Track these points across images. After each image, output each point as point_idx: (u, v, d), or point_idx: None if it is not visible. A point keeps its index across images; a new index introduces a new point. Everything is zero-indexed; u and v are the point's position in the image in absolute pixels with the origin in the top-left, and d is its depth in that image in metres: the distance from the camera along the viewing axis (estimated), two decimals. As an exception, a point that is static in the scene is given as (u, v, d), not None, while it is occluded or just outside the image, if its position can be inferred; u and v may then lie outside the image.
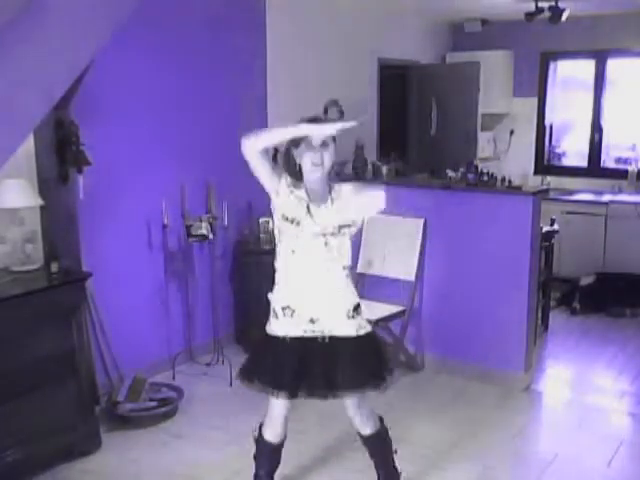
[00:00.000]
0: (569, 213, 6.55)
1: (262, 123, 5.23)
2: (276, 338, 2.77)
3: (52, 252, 3.73)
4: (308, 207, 2.67)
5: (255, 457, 3.00)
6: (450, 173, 4.73)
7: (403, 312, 4.44)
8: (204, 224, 4.49)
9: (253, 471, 3.00)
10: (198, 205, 4.67)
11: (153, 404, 3.95)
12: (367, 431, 2.90)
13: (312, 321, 2.70)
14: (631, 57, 6.81)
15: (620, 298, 5.91)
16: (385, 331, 4.32)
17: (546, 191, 5.61)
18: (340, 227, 2.68)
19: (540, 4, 5.66)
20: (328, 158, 2.69)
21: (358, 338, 2.73)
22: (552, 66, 7.22)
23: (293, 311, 2.73)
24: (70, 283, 3.50)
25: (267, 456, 2.96)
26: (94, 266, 3.79)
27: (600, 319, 5.77)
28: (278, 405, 2.82)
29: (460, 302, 4.49)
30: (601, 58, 6.89)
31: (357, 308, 2.77)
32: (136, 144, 4.27)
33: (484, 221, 4.34)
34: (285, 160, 2.75)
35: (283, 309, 2.76)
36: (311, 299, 2.71)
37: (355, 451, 3.56)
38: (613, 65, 6.91)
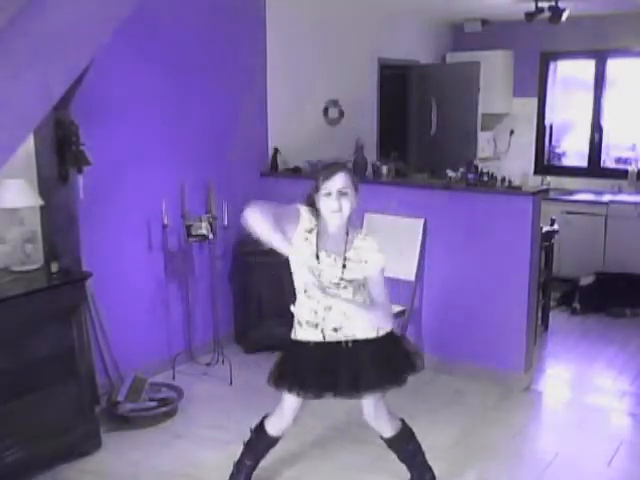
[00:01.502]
0: (569, 213, 6.55)
1: (262, 123, 5.24)
2: (301, 343, 2.87)
3: (52, 252, 3.73)
4: (317, 255, 2.72)
5: (247, 445, 3.10)
6: (450, 173, 4.73)
7: (403, 312, 4.44)
8: (204, 224, 4.50)
9: (237, 457, 3.11)
10: (198, 205, 4.67)
11: (153, 404, 3.95)
12: (388, 434, 2.98)
13: (335, 330, 2.80)
14: (631, 57, 6.81)
15: (620, 298, 5.90)
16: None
17: (546, 191, 5.62)
18: (352, 286, 2.75)
19: (540, 4, 5.66)
20: (347, 205, 2.68)
21: (379, 339, 2.82)
22: (552, 66, 7.22)
23: (316, 324, 2.82)
24: (70, 283, 3.50)
25: (261, 448, 3.09)
26: (94, 266, 3.79)
27: (600, 319, 5.77)
28: (293, 402, 2.91)
29: (460, 302, 4.49)
30: (601, 58, 6.89)
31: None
32: (136, 144, 4.27)
33: (484, 221, 4.34)
34: (307, 202, 2.78)
35: (307, 322, 2.84)
36: (332, 316, 2.78)
37: (349, 441, 3.57)
38: (613, 65, 6.91)
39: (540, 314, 5.21)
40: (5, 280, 3.40)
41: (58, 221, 3.77)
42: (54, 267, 3.52)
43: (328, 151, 5.37)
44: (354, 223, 2.80)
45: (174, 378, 4.44)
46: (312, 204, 2.75)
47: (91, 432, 3.57)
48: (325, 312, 2.78)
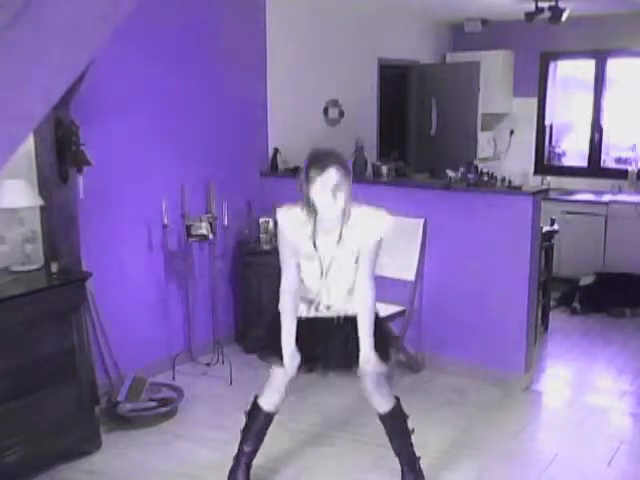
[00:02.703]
0: (569, 213, 6.55)
1: (262, 123, 5.24)
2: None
3: (52, 252, 3.73)
4: (314, 243, 2.78)
5: (243, 431, 3.14)
6: (450, 173, 4.72)
7: (403, 312, 4.43)
8: (204, 224, 4.50)
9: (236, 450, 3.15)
10: (198, 205, 4.67)
11: (153, 404, 3.94)
12: (384, 409, 3.02)
13: (328, 307, 2.90)
14: (631, 57, 6.81)
15: (620, 298, 5.90)
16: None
17: (546, 191, 5.61)
18: (349, 261, 2.80)
19: (540, 4, 5.66)
20: (341, 197, 2.70)
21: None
22: (552, 66, 7.22)
23: (311, 300, 2.90)
24: (70, 283, 3.50)
25: (258, 425, 3.09)
26: (94, 266, 3.79)
27: (600, 319, 5.77)
28: (281, 375, 2.94)
29: (460, 302, 4.49)
30: (601, 58, 6.89)
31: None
32: (136, 144, 4.27)
33: (484, 221, 4.34)
34: (301, 190, 2.77)
35: (301, 297, 2.90)
36: (326, 293, 2.88)
37: (349, 440, 3.57)
38: (613, 65, 6.91)
39: (540, 314, 5.21)
40: (5, 280, 3.40)
41: (58, 221, 3.77)
42: (54, 267, 3.52)
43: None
44: (351, 202, 2.77)
45: (174, 378, 4.44)
46: (307, 194, 2.73)
47: (91, 432, 3.58)
48: (320, 292, 2.86)
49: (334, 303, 2.90)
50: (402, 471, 3.12)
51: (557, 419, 4.19)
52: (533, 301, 4.43)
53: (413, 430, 3.11)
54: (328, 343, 2.88)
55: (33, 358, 3.25)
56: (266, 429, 3.14)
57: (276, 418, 3.66)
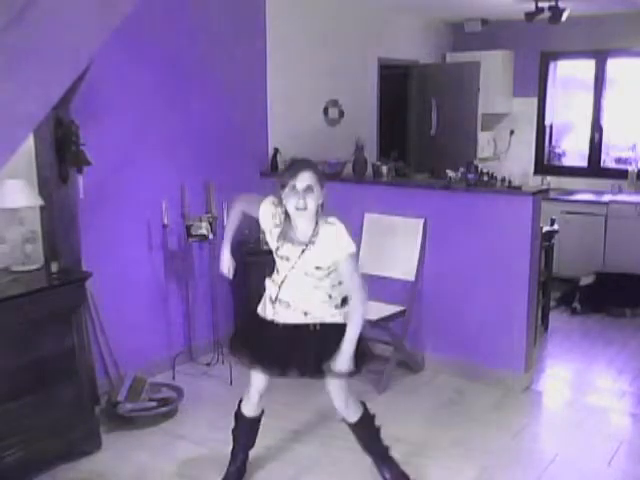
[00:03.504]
0: (569, 213, 6.55)
1: (262, 123, 5.24)
2: (269, 322, 2.95)
3: (52, 252, 3.73)
4: (278, 247, 2.88)
5: (233, 431, 3.23)
6: (450, 173, 4.72)
7: (403, 312, 4.44)
8: (204, 224, 4.50)
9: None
10: (198, 205, 4.67)
11: (153, 404, 3.94)
12: (354, 419, 3.03)
13: (305, 314, 2.88)
14: (631, 57, 6.80)
15: (620, 298, 5.90)
16: (385, 331, 4.32)
17: (546, 191, 5.61)
18: (317, 268, 2.81)
19: (540, 4, 5.66)
20: (312, 202, 2.74)
21: (343, 325, 2.84)
22: (552, 66, 7.22)
23: (288, 304, 2.89)
24: (70, 283, 3.50)
25: (244, 430, 3.20)
26: (94, 266, 3.79)
27: (600, 319, 5.77)
28: (257, 381, 3.04)
29: (460, 302, 4.49)
30: (601, 58, 6.89)
31: (345, 300, 2.90)
32: (136, 144, 4.27)
33: (484, 221, 4.34)
34: (279, 200, 2.87)
35: (279, 300, 2.90)
36: (304, 300, 2.87)
37: (348, 440, 3.57)
38: (613, 65, 6.91)
39: (540, 314, 5.21)
40: (5, 280, 3.40)
41: (58, 221, 3.77)
42: (54, 267, 3.52)
43: (328, 151, 5.37)
44: (323, 215, 2.82)
45: (174, 378, 4.44)
46: (280, 200, 2.83)
47: (91, 432, 3.58)
48: (298, 297, 2.86)
49: (311, 310, 2.87)
50: (376, 466, 3.14)
51: (557, 419, 4.19)
52: (533, 301, 4.43)
53: (380, 427, 3.13)
54: (302, 349, 2.88)
55: (33, 358, 3.25)
56: (253, 431, 3.22)
57: (276, 418, 3.66)
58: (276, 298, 2.91)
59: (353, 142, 5.51)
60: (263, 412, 3.22)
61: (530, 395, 4.35)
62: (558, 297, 6.03)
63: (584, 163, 7.19)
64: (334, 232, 2.78)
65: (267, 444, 3.69)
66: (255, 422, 3.21)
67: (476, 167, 4.88)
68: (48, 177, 3.72)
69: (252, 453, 3.58)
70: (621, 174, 6.89)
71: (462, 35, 7.46)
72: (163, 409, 3.93)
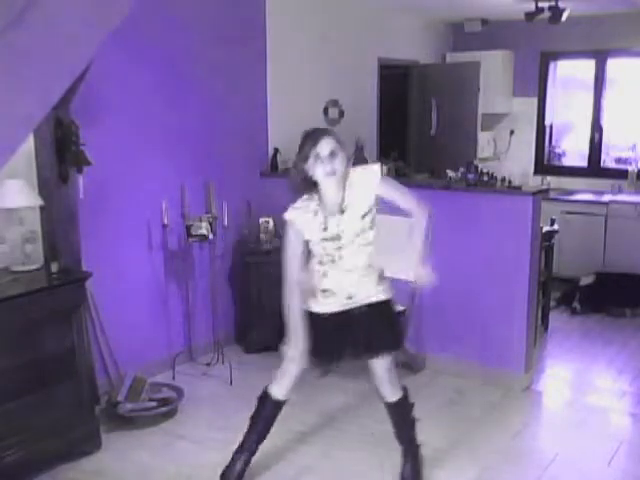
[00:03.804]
0: (569, 213, 6.55)
1: (262, 123, 5.24)
2: (317, 315, 2.96)
3: (52, 252, 3.73)
4: (325, 227, 2.82)
5: (252, 417, 3.18)
6: (450, 173, 4.72)
7: (403, 312, 4.43)
8: (204, 224, 4.49)
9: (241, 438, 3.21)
10: (198, 205, 4.67)
11: (153, 404, 3.94)
12: (393, 398, 3.10)
13: (349, 297, 2.93)
14: (631, 57, 6.81)
15: (620, 298, 5.90)
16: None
17: (546, 191, 5.61)
18: (370, 220, 2.86)
19: (540, 4, 5.66)
20: (339, 165, 2.76)
21: (386, 302, 3.00)
22: (552, 66, 7.22)
23: (333, 293, 2.92)
24: (70, 283, 3.50)
25: (265, 414, 3.16)
26: (94, 266, 3.79)
27: (600, 319, 5.77)
28: (297, 370, 3.03)
29: (460, 302, 4.48)
30: (601, 58, 6.89)
31: (382, 275, 3.01)
32: (136, 144, 4.27)
33: (484, 221, 4.34)
34: (295, 177, 2.84)
35: (323, 291, 2.94)
36: (347, 283, 2.91)
37: (349, 440, 3.58)
38: (613, 65, 6.91)
39: (540, 314, 5.21)
40: (5, 280, 3.40)
41: (58, 221, 3.77)
42: (54, 267, 3.52)
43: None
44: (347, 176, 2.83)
45: (174, 378, 4.44)
46: (302, 174, 2.78)
47: (91, 432, 3.58)
48: (341, 282, 2.89)
49: (355, 292, 2.92)
50: (404, 457, 3.20)
51: (557, 419, 4.19)
52: (533, 301, 4.43)
53: (418, 419, 3.20)
54: (351, 335, 2.94)
55: (33, 358, 3.25)
56: (274, 418, 3.19)
57: (280, 418, 3.63)
58: (324, 289, 2.93)
59: (353, 142, 5.51)
60: (286, 402, 3.19)
61: (530, 395, 4.35)
62: (558, 297, 6.03)
63: (584, 163, 7.19)
64: (357, 173, 2.84)
65: (270, 444, 3.69)
66: (278, 407, 3.17)
67: (476, 167, 4.89)
68: (48, 177, 3.72)
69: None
70: (621, 174, 6.89)
71: (462, 35, 7.47)
72: (163, 409, 3.93)
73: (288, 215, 2.86)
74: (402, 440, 3.20)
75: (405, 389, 3.17)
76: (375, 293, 2.97)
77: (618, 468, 3.47)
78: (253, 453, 3.22)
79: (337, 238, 2.83)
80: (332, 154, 2.73)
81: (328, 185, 2.79)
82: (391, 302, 3.06)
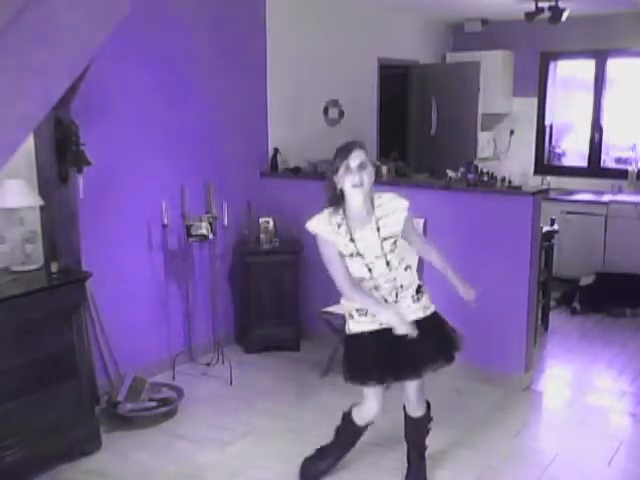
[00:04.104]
0: (569, 213, 6.55)
1: (262, 122, 5.24)
2: (355, 336, 3.00)
3: (52, 252, 3.73)
4: (352, 239, 2.86)
5: (335, 431, 3.29)
6: (450, 173, 4.72)
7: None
8: (204, 224, 4.50)
9: (331, 439, 3.32)
10: (198, 205, 4.67)
11: (153, 404, 3.94)
12: (418, 413, 3.16)
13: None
14: (631, 57, 6.80)
15: (620, 298, 5.90)
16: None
17: (546, 191, 5.61)
18: (393, 242, 2.90)
19: (540, 4, 5.66)
20: (367, 178, 2.82)
21: (426, 319, 3.00)
22: (552, 66, 7.22)
23: (366, 311, 2.93)
24: (70, 283, 3.50)
25: (347, 435, 3.28)
26: (94, 266, 3.79)
27: (600, 319, 5.77)
28: (369, 392, 3.07)
29: (460, 302, 4.47)
30: (601, 58, 6.89)
31: (419, 289, 3.05)
32: (136, 144, 4.27)
33: (484, 221, 4.34)
34: (328, 188, 2.89)
35: (358, 311, 2.96)
36: (380, 300, 2.92)
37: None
38: (613, 65, 6.90)
39: (540, 314, 5.21)
40: (5, 280, 3.40)
41: (58, 221, 3.77)
42: (54, 267, 3.52)
43: (328, 151, 5.35)
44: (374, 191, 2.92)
45: (174, 378, 4.44)
46: (334, 187, 2.85)
47: (91, 432, 3.58)
48: (376, 287, 2.91)
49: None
50: (409, 456, 3.25)
51: (557, 419, 4.19)
52: (533, 301, 4.43)
53: (430, 429, 3.27)
54: (394, 354, 2.92)
55: (33, 358, 3.25)
56: (355, 438, 3.28)
57: (276, 419, 3.68)
58: (358, 308, 2.95)
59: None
60: (372, 422, 3.25)
61: (530, 395, 4.35)
62: (558, 297, 6.03)
63: (584, 163, 7.19)
64: (387, 197, 2.92)
65: (270, 443, 3.69)
66: (361, 431, 3.26)
67: (476, 167, 4.88)
68: (48, 177, 3.72)
69: (249, 454, 3.59)
70: (621, 174, 6.89)
71: (462, 35, 7.46)
72: (163, 409, 3.93)
73: (312, 226, 2.91)
74: (411, 443, 3.25)
75: (428, 404, 3.21)
76: (413, 310, 2.99)
77: (618, 468, 3.47)
78: (336, 463, 3.34)
79: (360, 254, 2.86)
80: (361, 166, 2.80)
81: (355, 197, 2.83)
82: (435, 318, 3.07)
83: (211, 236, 4.54)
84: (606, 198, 6.59)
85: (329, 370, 4.44)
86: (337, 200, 2.87)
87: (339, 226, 2.86)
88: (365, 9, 6.14)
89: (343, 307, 3.10)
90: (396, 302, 2.95)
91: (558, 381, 4.67)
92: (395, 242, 2.91)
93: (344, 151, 2.83)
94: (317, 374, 4.52)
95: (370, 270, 2.88)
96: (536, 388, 4.44)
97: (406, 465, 3.26)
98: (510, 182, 4.50)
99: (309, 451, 3.59)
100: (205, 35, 4.67)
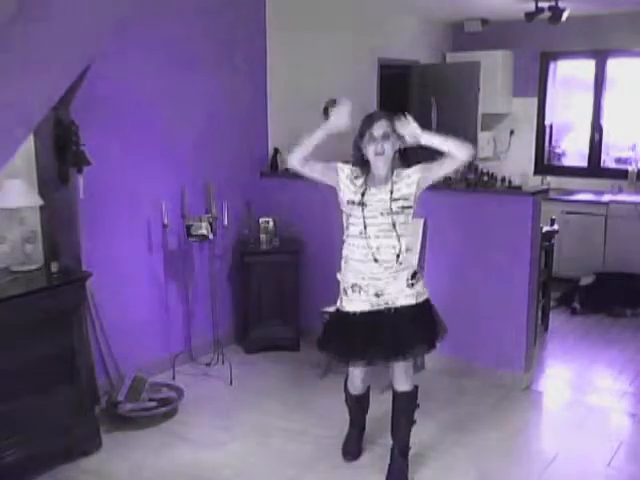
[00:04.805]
0: (569, 213, 6.55)
1: (262, 122, 5.24)
2: (347, 314, 3.12)
3: (52, 252, 3.73)
4: (363, 193, 3.03)
5: (345, 401, 3.49)
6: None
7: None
8: (204, 224, 4.49)
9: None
10: (198, 205, 4.67)
11: (153, 404, 3.94)
12: (405, 387, 3.24)
13: (377, 295, 3.05)
14: (631, 57, 6.81)
15: (620, 298, 5.90)
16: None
17: (546, 191, 5.62)
18: (402, 207, 3.04)
19: (540, 4, 5.66)
20: (389, 147, 3.03)
21: (417, 306, 3.10)
22: (552, 66, 7.22)
23: (360, 288, 3.06)
24: (70, 283, 3.50)
25: (352, 404, 3.47)
26: (94, 266, 3.79)
27: (600, 319, 5.77)
28: (354, 369, 3.27)
29: (460, 302, 4.48)
30: (601, 58, 6.89)
31: (415, 275, 3.12)
32: (136, 144, 4.27)
33: (484, 221, 4.34)
34: (354, 151, 3.12)
35: (352, 287, 3.08)
36: (376, 276, 3.03)
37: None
38: (613, 65, 6.91)
39: (540, 314, 5.21)
40: (5, 280, 3.40)
41: (58, 221, 3.77)
42: (54, 267, 3.52)
43: (328, 151, 5.35)
44: (398, 164, 3.12)
45: (174, 378, 4.44)
46: (359, 151, 3.07)
47: (91, 432, 3.57)
48: (369, 274, 3.01)
49: (382, 290, 3.03)
50: (392, 454, 3.29)
51: (557, 419, 4.19)
52: (533, 301, 4.43)
53: (416, 421, 3.30)
54: (381, 336, 3.05)
55: (33, 358, 3.25)
56: (362, 402, 3.45)
57: (276, 418, 3.67)
58: (353, 284, 3.08)
59: (353, 142, 5.49)
60: (369, 387, 3.42)
61: (530, 395, 4.35)
62: (558, 297, 6.03)
63: (584, 163, 7.19)
64: (407, 172, 3.12)
65: (270, 443, 3.69)
66: (361, 398, 3.42)
67: (476, 167, 4.89)
68: (48, 177, 3.73)
69: (249, 454, 3.59)
70: (621, 174, 6.89)
71: (462, 35, 7.46)
72: (163, 409, 3.93)
73: (338, 164, 3.15)
74: (395, 433, 3.29)
75: (416, 387, 3.29)
76: (408, 295, 3.07)
77: (618, 468, 3.47)
78: (363, 424, 3.53)
79: (364, 203, 3.02)
80: (384, 136, 3.00)
81: (377, 164, 3.03)
82: (426, 305, 3.15)
83: (211, 236, 4.54)
84: (606, 198, 6.59)
85: (329, 370, 4.44)
86: (361, 163, 3.07)
87: (357, 177, 3.07)
88: (365, 9, 6.14)
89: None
90: (394, 278, 3.03)
91: (558, 381, 4.67)
92: (404, 208, 3.04)
93: (368, 120, 3.03)
94: (317, 374, 4.51)
95: (365, 227, 3.00)
96: (536, 388, 4.44)
97: (390, 461, 3.29)
98: (510, 182, 4.51)
99: (309, 451, 3.60)
100: (205, 35, 4.66)
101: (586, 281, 6.06)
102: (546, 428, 4.08)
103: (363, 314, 3.07)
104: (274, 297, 4.90)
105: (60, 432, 3.39)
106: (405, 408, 3.26)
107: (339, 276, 3.17)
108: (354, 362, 3.19)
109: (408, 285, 3.07)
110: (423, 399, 4.18)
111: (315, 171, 3.13)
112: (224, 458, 3.54)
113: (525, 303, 4.27)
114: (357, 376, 3.30)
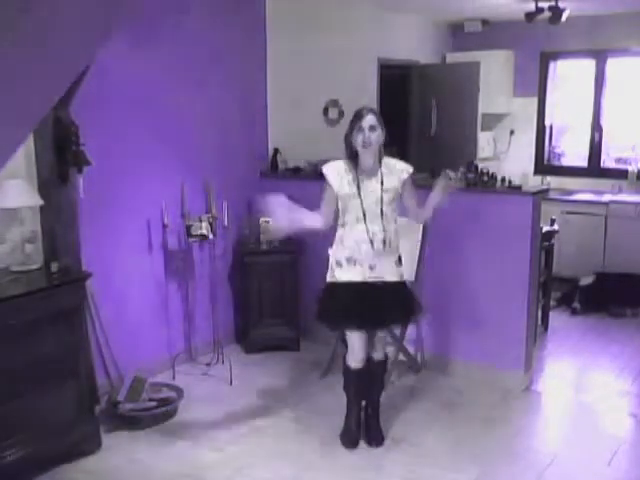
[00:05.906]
0: (569, 213, 6.55)
1: (262, 122, 5.24)
2: (341, 284, 3.43)
3: (52, 252, 3.73)
4: (358, 185, 3.36)
5: (344, 387, 3.67)
6: (450, 173, 4.71)
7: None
8: (204, 224, 4.50)
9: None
10: (198, 205, 4.67)
11: (153, 404, 3.94)
12: (379, 356, 3.64)
13: (371, 267, 3.39)
14: (631, 57, 6.80)
15: (620, 298, 5.90)
16: (385, 331, 4.31)
17: (546, 191, 5.61)
18: (392, 197, 3.38)
19: (540, 4, 5.66)
20: (375, 139, 3.32)
21: (401, 283, 3.52)
22: (552, 66, 7.22)
23: (356, 260, 3.39)
24: (70, 283, 3.50)
25: (353, 381, 3.62)
26: (94, 266, 3.79)
27: (600, 319, 5.77)
28: (354, 337, 3.51)
29: (460, 302, 4.49)
30: (601, 58, 6.89)
31: (400, 259, 3.52)
32: (136, 144, 4.27)
33: (484, 221, 4.34)
34: (345, 144, 3.40)
35: (348, 259, 3.40)
36: (370, 252, 3.36)
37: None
38: (613, 65, 6.90)
39: (540, 314, 5.21)
40: (5, 280, 3.40)
41: (58, 221, 3.77)
42: (54, 267, 3.53)
43: (328, 151, 5.36)
44: (383, 155, 3.40)
45: (174, 378, 4.44)
46: (350, 144, 3.36)
47: (91, 432, 3.58)
48: (364, 250, 3.34)
49: (375, 264, 3.36)
50: (366, 414, 3.68)
51: (557, 419, 4.19)
52: (533, 301, 4.43)
53: (385, 387, 3.79)
54: (371, 306, 3.38)
55: (33, 358, 3.25)
56: (362, 380, 3.60)
57: (276, 418, 3.68)
58: (348, 257, 3.39)
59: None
60: (368, 362, 3.59)
61: (530, 395, 4.35)
62: (558, 297, 6.03)
63: (584, 163, 7.18)
64: (394, 161, 3.44)
65: (269, 443, 3.69)
66: (361, 373, 3.57)
67: (476, 167, 4.88)
68: (48, 177, 3.72)
69: (249, 454, 3.59)
70: (621, 174, 6.89)
71: (462, 35, 7.46)
72: (163, 409, 3.93)
73: (325, 169, 3.46)
74: (370, 396, 3.66)
75: (387, 356, 3.73)
76: (394, 273, 3.45)
77: (618, 468, 3.47)
78: (359, 413, 3.68)
79: (360, 196, 3.33)
80: (371, 128, 3.30)
81: (364, 155, 3.33)
82: (407, 285, 3.60)
83: (211, 236, 4.54)
84: (606, 198, 6.59)
85: (329, 370, 4.44)
86: (352, 155, 3.37)
87: (347, 172, 3.37)
88: (365, 9, 6.14)
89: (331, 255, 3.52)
90: (383, 251, 3.37)
91: (558, 381, 4.67)
92: (393, 198, 3.40)
93: (358, 115, 3.33)
94: (317, 374, 4.52)
95: (364, 214, 3.33)
96: (536, 388, 4.44)
97: (364, 423, 3.66)
98: (510, 182, 4.50)
99: (309, 451, 3.60)
100: (205, 35, 4.67)
101: (586, 281, 6.06)
102: (546, 428, 4.07)
103: (357, 284, 3.39)
104: (274, 297, 4.90)
105: (60, 432, 3.39)
106: (378, 375, 3.65)
107: (330, 251, 3.49)
108: (352, 327, 3.47)
109: (396, 264, 3.47)
110: (423, 399, 4.22)
111: (332, 207, 3.45)
112: (224, 458, 3.54)
113: (525, 303, 4.27)
114: (358, 345, 3.50)
